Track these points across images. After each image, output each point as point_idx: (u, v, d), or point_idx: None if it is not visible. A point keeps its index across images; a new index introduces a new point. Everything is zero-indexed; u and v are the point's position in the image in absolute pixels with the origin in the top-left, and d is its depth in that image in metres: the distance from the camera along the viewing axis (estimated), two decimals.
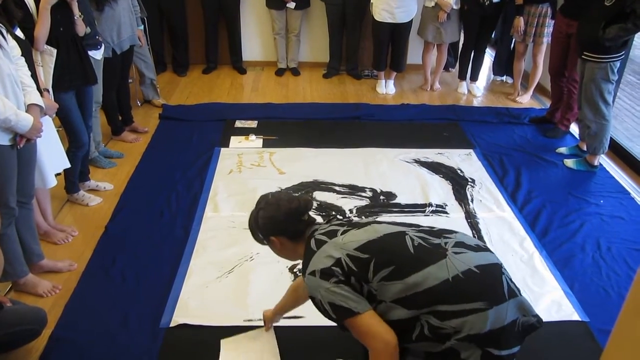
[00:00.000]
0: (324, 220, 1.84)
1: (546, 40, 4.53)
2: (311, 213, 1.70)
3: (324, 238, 1.66)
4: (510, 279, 1.60)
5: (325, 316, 1.60)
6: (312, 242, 1.67)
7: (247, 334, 2.25)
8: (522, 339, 1.59)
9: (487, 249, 1.69)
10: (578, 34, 3.60)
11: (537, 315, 1.61)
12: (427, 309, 1.52)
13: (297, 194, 1.83)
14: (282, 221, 1.72)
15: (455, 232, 1.71)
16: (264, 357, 2.14)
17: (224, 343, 2.20)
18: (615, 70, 3.46)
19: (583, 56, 3.52)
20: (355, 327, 1.56)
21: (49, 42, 2.71)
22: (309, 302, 1.68)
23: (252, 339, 2.22)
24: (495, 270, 1.58)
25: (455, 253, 1.58)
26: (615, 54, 3.40)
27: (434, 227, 1.75)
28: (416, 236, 1.64)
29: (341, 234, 1.66)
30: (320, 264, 1.59)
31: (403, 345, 1.57)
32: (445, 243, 1.62)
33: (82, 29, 2.92)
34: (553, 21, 4.41)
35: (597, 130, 3.60)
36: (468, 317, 1.49)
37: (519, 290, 1.60)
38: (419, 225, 1.75)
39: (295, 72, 5.68)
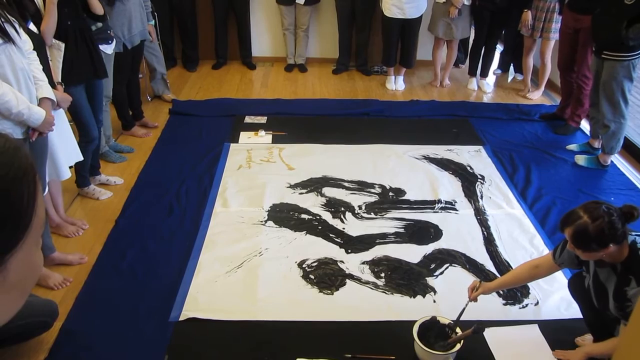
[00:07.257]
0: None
1: (554, 36, 4.48)
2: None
3: None
4: None
5: None
6: None
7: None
8: None
9: None
10: (595, 34, 3.53)
11: None
12: None
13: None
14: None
15: None
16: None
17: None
18: (636, 67, 3.42)
19: (603, 55, 3.45)
20: None
21: (57, 36, 2.71)
22: None
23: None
24: None
25: None
26: (637, 51, 3.35)
27: None
28: None
29: None
30: None
31: None
32: None
33: (98, 7, 2.89)
34: (561, 17, 4.37)
35: (615, 130, 3.55)
36: None
37: None
38: None
39: (302, 68, 5.66)
